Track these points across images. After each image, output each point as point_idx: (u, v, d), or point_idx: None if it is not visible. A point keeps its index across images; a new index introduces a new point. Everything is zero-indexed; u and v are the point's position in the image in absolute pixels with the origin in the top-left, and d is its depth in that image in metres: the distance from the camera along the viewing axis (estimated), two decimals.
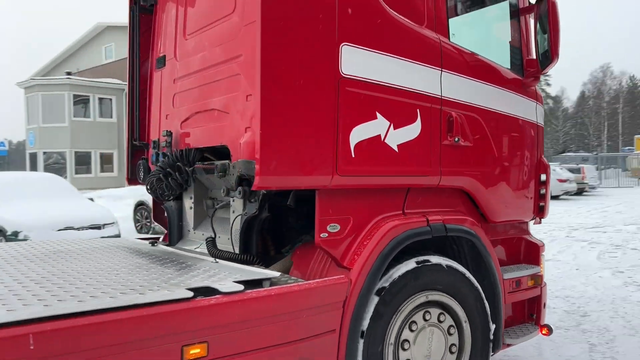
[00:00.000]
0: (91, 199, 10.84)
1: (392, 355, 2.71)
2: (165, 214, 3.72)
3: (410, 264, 2.78)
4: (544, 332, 3.66)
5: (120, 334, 1.87)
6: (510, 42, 3.71)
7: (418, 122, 2.92)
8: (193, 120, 3.26)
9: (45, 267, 2.64)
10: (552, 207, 13.29)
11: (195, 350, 2.05)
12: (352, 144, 2.65)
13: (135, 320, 1.90)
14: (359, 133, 2.67)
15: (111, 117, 28.05)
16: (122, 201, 17.03)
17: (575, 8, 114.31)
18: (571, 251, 8.88)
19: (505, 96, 3.50)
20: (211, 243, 3.05)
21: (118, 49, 28.42)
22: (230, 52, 2.81)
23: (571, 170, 25.62)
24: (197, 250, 3.29)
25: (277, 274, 2.50)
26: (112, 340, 1.85)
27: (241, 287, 2.21)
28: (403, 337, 2.75)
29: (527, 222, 3.83)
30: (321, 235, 2.63)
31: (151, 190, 3.39)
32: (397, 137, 2.83)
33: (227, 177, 2.80)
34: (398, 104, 2.84)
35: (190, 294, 2.07)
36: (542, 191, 3.81)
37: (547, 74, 61.88)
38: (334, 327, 2.49)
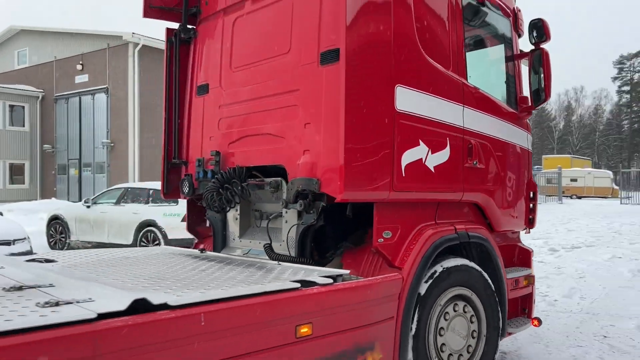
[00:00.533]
0: (0, 213, 10.17)
1: (433, 339, 3.32)
2: (207, 224, 4.28)
3: (445, 265, 3.41)
4: (535, 323, 4.35)
5: (254, 315, 2.37)
6: (507, 81, 4.48)
7: (448, 148, 3.61)
8: (242, 142, 3.84)
9: (139, 269, 3.13)
10: None
11: (304, 329, 2.54)
12: (403, 165, 3.28)
13: (266, 304, 2.42)
14: (408, 157, 3.31)
15: (23, 125, 26.40)
16: (34, 215, 16.06)
17: None
18: None
19: (506, 127, 4.24)
20: (269, 248, 3.60)
21: (33, 54, 26.88)
22: (286, 86, 3.46)
23: None
24: (246, 256, 3.80)
25: (347, 271, 3.03)
26: (249, 320, 2.35)
27: (331, 280, 2.79)
28: (440, 325, 3.38)
29: (519, 232, 4.62)
30: (378, 240, 3.21)
31: (209, 202, 3.78)
32: (433, 160, 3.50)
33: (278, 192, 3.47)
34: (434, 133, 3.51)
35: (298, 285, 2.61)
36: (532, 206, 4.60)
37: None
38: (392, 315, 3.07)
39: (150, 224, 9.94)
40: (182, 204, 9.62)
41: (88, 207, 11.27)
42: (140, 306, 2.04)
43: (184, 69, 4.43)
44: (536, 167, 59.81)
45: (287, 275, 2.86)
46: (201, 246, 4.24)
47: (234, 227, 4.07)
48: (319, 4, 3.31)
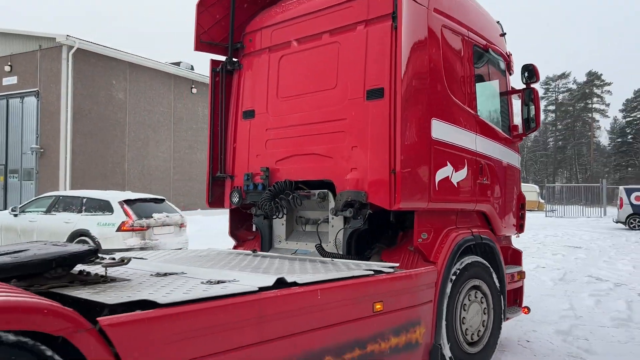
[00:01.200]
0: None
1: (459, 316, 4.24)
2: (254, 229, 5.14)
3: (460, 262, 4.27)
4: (525, 311, 5.30)
5: (350, 292, 3.23)
6: (502, 112, 5.35)
7: (466, 167, 4.50)
8: (289, 160, 4.65)
9: (224, 263, 3.93)
10: None
11: (378, 306, 3.37)
12: (437, 181, 4.15)
13: (356, 284, 3.28)
14: (439, 175, 4.19)
15: None
16: None
17: None
18: None
19: (504, 150, 5.18)
20: (320, 248, 4.39)
21: None
22: (333, 115, 4.34)
23: None
24: (295, 254, 4.54)
25: (397, 264, 3.88)
26: (346, 296, 3.21)
27: (392, 270, 3.66)
28: (464, 302, 4.32)
29: (511, 236, 5.51)
30: (418, 240, 4.08)
31: (266, 209, 4.56)
32: (456, 177, 4.39)
33: (324, 201, 4.39)
34: (457, 156, 4.40)
35: (372, 272, 3.48)
36: (521, 214, 5.51)
37: None
38: (431, 299, 3.95)
39: (82, 234, 9.62)
40: (117, 213, 9.43)
41: (15, 215, 10.76)
42: (279, 284, 2.88)
43: (227, 95, 5.22)
44: None
45: (352, 267, 3.65)
46: (251, 248, 4.92)
47: (280, 231, 4.84)
48: (364, 51, 4.21)
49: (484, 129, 4.79)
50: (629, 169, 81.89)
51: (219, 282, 2.83)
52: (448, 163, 4.31)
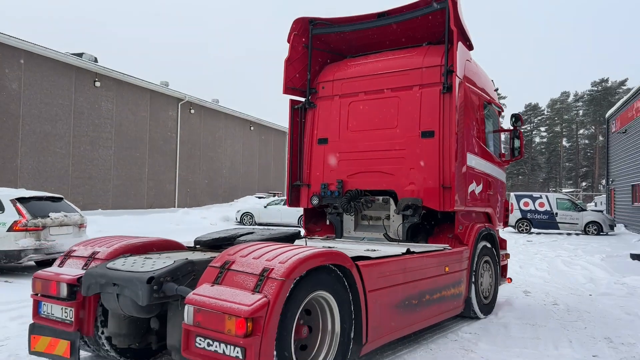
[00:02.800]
0: None
1: (479, 279, 6.39)
2: (328, 222, 7.02)
3: (479, 245, 6.44)
4: (509, 281, 7.59)
5: (436, 259, 5.36)
6: (496, 144, 7.44)
7: (481, 184, 6.62)
8: (358, 175, 6.62)
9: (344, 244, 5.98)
10: None
11: (447, 268, 5.51)
12: (468, 193, 6.23)
13: (438, 255, 5.46)
14: (470, 188, 6.27)
15: None
16: None
17: None
18: None
19: (498, 171, 7.40)
20: (387, 236, 6.45)
21: None
22: (395, 146, 6.34)
23: None
24: (363, 241, 6.47)
25: (447, 245, 5.93)
26: (434, 261, 5.30)
27: (449, 248, 5.82)
28: (481, 271, 6.51)
29: (498, 229, 7.51)
30: (458, 230, 6.17)
31: (345, 209, 6.57)
32: (477, 190, 6.49)
33: (387, 204, 6.49)
34: (477, 176, 6.49)
35: (442, 248, 5.70)
36: (506, 214, 7.87)
37: None
38: (466, 267, 6.05)
39: None
40: (9, 212, 8.75)
41: None
42: (407, 252, 4.99)
43: (301, 126, 7.21)
44: None
45: (422, 248, 5.61)
46: (322, 237, 6.93)
47: (349, 224, 6.81)
48: (419, 104, 6.26)
49: (489, 158, 7.00)
50: (520, 177, 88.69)
51: (373, 250, 5.05)
52: (474, 181, 6.42)
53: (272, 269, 3.31)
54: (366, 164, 6.58)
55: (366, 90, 6.65)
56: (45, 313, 4.11)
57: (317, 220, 7.26)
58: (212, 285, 3.39)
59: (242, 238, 4.61)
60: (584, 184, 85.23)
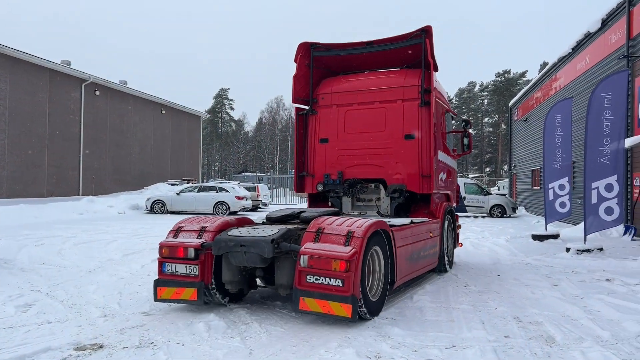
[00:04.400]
0: None
1: (445, 241, 8.70)
2: (330, 204, 8.82)
3: (445, 218, 8.83)
4: (460, 245, 9.88)
5: (422, 227, 7.51)
6: (449, 142, 9.18)
7: (445, 172, 8.83)
8: (354, 167, 8.32)
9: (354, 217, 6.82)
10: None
11: (431, 234, 7.88)
12: (439, 180, 8.32)
13: (427, 223, 7.82)
14: (439, 176, 8.33)
15: None
16: None
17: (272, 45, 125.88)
18: None
19: (453, 162, 9.53)
20: (379, 213, 8.17)
21: None
22: (383, 145, 8.15)
23: (248, 189, 27.88)
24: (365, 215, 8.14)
25: (426, 219, 8.01)
26: (425, 228, 7.66)
27: (428, 220, 8.07)
28: (447, 236, 8.86)
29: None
30: (432, 207, 8.32)
31: (346, 193, 8.41)
32: (443, 177, 8.65)
33: (377, 190, 8.39)
34: (444, 167, 8.69)
35: (425, 220, 7.95)
36: (457, 196, 10.13)
37: (232, 99, 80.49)
38: (439, 233, 8.33)
39: None
40: None
41: None
42: (411, 222, 7.17)
43: (305, 129, 8.87)
44: (294, 171, 64.15)
45: (359, 221, 5.58)
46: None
47: (347, 205, 8.58)
48: (402, 114, 8.07)
49: (449, 153, 9.12)
50: None
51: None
52: (442, 171, 8.55)
53: (354, 231, 5.29)
54: (361, 159, 8.35)
55: (359, 102, 8.44)
56: (169, 271, 5.85)
57: (318, 203, 9.07)
58: (314, 243, 5.29)
59: (303, 215, 6.47)
60: (487, 169, 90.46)
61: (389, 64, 8.91)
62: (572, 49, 19.26)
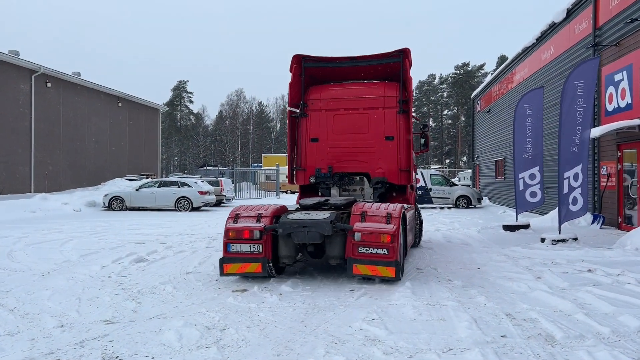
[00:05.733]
0: None
1: (417, 223, 10.85)
2: (320, 194, 9.72)
3: (416, 205, 11.06)
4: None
5: (411, 211, 9.61)
6: (410, 141, 9.66)
7: (414, 168, 10.33)
8: (342, 163, 9.50)
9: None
10: (192, 218, 13.24)
11: (406, 212, 8.35)
12: (413, 174, 10.02)
13: (410, 208, 9.68)
14: (413, 172, 10.05)
15: None
16: None
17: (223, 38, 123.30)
18: (210, 262, 9.01)
19: (414, 158, 10.42)
20: (318, 203, 8.07)
21: None
22: (368, 145, 9.43)
23: (211, 183, 27.07)
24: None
25: (406, 205, 8.92)
26: (410, 212, 9.70)
27: (406, 205, 9.07)
28: (418, 219, 11.06)
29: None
30: (408, 196, 9.73)
31: (336, 184, 9.54)
32: (413, 172, 10.02)
33: (361, 181, 9.63)
34: (414, 165, 10.38)
35: (408, 206, 9.15)
36: (415, 184, 11.72)
37: (191, 91, 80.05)
38: (415, 216, 10.46)
39: None
40: None
41: None
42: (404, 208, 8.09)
43: (298, 129, 9.84)
44: (256, 164, 63.32)
45: (390, 206, 7.39)
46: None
47: (335, 194, 9.56)
48: (383, 119, 9.32)
49: (413, 151, 10.03)
50: None
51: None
52: (413, 167, 9.78)
53: (392, 212, 7.06)
54: (347, 156, 9.54)
55: (345, 108, 9.60)
56: (234, 250, 7.15)
57: (308, 194, 10.01)
58: (362, 223, 6.96)
59: (331, 202, 8.08)
60: (447, 161, 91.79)
61: (370, 77, 10.33)
62: (537, 39, 19.37)
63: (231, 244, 7.16)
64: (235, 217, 7.44)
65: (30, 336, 4.81)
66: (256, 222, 7.25)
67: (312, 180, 9.63)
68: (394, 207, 7.24)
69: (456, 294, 6.36)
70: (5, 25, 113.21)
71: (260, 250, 7.08)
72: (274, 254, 7.35)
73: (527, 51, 21.06)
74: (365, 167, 9.46)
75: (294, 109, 9.76)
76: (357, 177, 9.67)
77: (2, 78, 26.01)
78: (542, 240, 10.71)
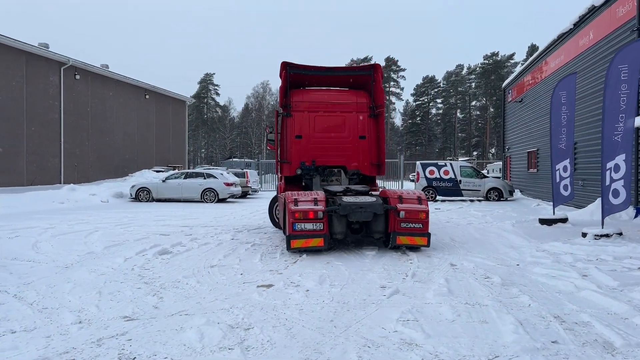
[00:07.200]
0: None
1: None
2: (303, 184, 11.30)
3: None
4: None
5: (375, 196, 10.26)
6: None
7: None
8: (322, 157, 11.16)
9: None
10: (218, 210, 12.91)
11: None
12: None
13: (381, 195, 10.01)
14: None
15: None
16: None
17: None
18: (235, 254, 8.74)
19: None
20: (346, 189, 10.08)
21: None
22: (344, 143, 11.23)
23: (237, 175, 26.93)
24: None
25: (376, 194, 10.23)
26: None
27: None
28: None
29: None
30: (376, 186, 11.56)
31: (320, 175, 11.23)
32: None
33: (339, 173, 11.43)
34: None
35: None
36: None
37: (217, 84, 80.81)
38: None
39: None
40: None
41: None
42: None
43: (284, 127, 11.28)
44: None
45: (416, 191, 9.33)
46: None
47: (317, 184, 10.87)
48: (357, 121, 11.17)
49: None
50: (417, 147, 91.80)
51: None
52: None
53: (420, 195, 8.99)
54: (327, 151, 11.09)
55: (325, 110, 11.16)
56: (299, 228, 8.39)
57: (292, 184, 11.36)
58: (401, 204, 8.77)
59: (353, 188, 10.03)
60: (475, 153, 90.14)
61: (346, 85, 12.01)
62: (574, 24, 18.51)
63: (297, 223, 8.37)
64: (294, 202, 8.52)
65: (47, 333, 4.58)
66: (314, 205, 8.47)
67: (299, 172, 11.03)
68: (420, 192, 9.20)
69: (496, 293, 5.92)
70: (35, 18, 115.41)
71: (322, 228, 8.43)
72: (330, 231, 8.70)
73: (562, 37, 20.19)
74: (342, 161, 11.20)
75: (281, 110, 11.33)
76: (336, 169, 11.32)
77: (32, 70, 26.27)
78: (584, 235, 10.11)
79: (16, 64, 25.33)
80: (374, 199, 8.98)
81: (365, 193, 9.93)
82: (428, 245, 8.73)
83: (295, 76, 11.32)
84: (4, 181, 24.34)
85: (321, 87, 12.07)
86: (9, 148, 24.87)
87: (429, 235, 8.74)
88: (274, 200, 12.51)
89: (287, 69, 11.06)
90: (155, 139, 38.36)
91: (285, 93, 11.15)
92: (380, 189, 9.96)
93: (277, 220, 12.24)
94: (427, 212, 8.66)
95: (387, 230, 8.91)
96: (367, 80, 11.44)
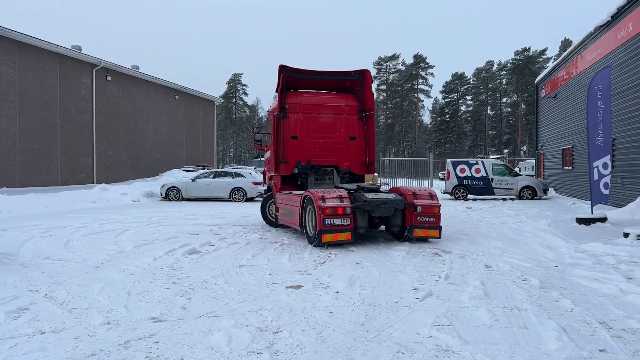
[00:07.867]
0: None
1: None
2: (299, 182, 12.10)
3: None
4: None
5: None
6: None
7: None
8: (317, 157, 11.89)
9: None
10: (246, 209, 12.79)
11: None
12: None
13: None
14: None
15: None
16: None
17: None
18: (264, 254, 8.64)
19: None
20: (358, 187, 10.52)
21: None
22: (337, 144, 12.07)
23: None
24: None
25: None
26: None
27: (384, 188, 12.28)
28: None
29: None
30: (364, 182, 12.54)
31: (316, 174, 11.99)
32: None
33: (331, 172, 12.25)
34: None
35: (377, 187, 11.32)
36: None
37: (245, 84, 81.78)
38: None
39: None
40: None
41: None
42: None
43: (280, 128, 11.67)
44: None
45: (427, 188, 10.71)
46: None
47: (311, 182, 11.75)
48: (347, 123, 12.07)
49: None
50: (447, 145, 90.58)
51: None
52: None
53: (431, 192, 9.94)
54: (321, 151, 11.77)
55: (318, 112, 11.88)
56: (329, 224, 8.88)
57: (288, 183, 12.02)
58: (416, 199, 9.63)
59: (362, 185, 10.59)
60: (506, 150, 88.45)
61: (337, 88, 12.61)
62: (612, 16, 17.84)
63: (327, 219, 8.86)
64: (322, 199, 9.01)
65: (75, 334, 4.54)
66: (340, 202, 9.03)
67: (295, 171, 11.66)
68: (430, 189, 10.13)
69: (535, 296, 5.65)
70: (67, 20, 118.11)
71: (349, 223, 9.01)
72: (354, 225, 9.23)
73: (599, 30, 19.49)
74: (335, 161, 11.97)
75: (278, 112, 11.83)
76: (329, 169, 12.07)
77: (65, 72, 26.80)
78: (626, 235, 9.67)
79: (50, 66, 25.87)
80: (393, 195, 9.65)
81: (377, 190, 10.40)
82: (439, 237, 9.66)
83: (291, 79, 11.89)
84: (39, 181, 24.89)
85: (316, 90, 12.64)
86: (44, 148, 25.43)
87: (440, 228, 9.67)
88: (267, 199, 13.04)
89: (284, 71, 11.62)
90: (185, 138, 38.75)
91: (282, 95, 11.66)
92: (390, 187, 10.67)
93: (270, 218, 12.94)
94: (439, 207, 9.66)
95: (404, 224, 9.71)
96: (356, 84, 12.25)
